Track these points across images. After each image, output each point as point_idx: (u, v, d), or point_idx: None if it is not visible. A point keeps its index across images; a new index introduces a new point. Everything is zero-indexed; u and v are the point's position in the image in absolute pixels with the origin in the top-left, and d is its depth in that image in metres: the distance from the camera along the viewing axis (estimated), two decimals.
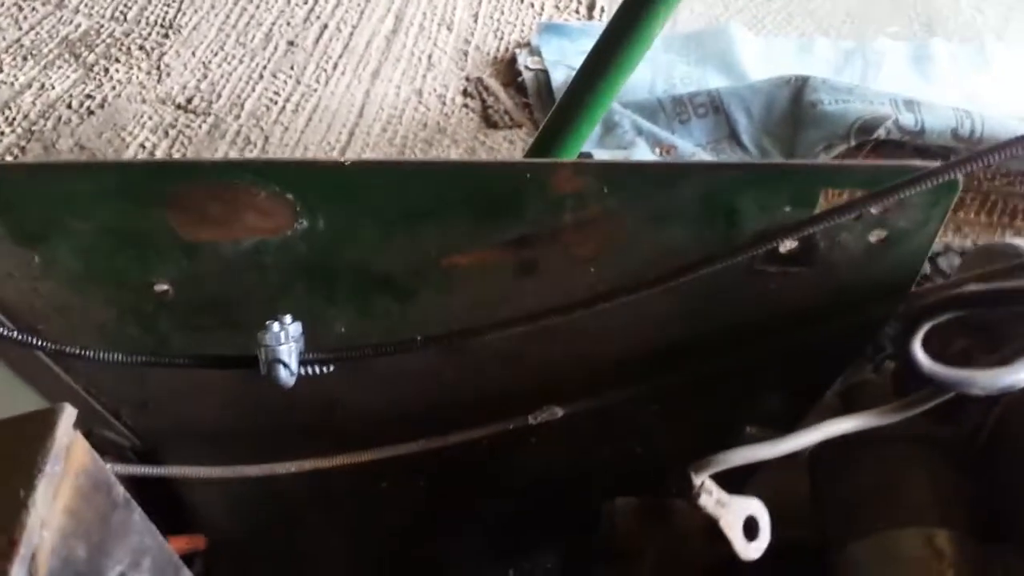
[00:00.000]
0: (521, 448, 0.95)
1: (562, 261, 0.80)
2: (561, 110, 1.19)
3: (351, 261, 0.81)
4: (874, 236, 0.76)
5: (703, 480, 0.61)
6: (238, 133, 2.27)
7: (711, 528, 1.04)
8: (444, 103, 2.42)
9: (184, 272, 0.81)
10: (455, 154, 2.26)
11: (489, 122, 2.38)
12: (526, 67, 2.49)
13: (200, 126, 2.27)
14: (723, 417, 0.95)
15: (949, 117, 2.13)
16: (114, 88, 2.36)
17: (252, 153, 2.22)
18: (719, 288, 0.81)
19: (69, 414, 0.60)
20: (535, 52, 2.53)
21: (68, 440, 0.60)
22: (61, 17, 2.60)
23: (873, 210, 0.73)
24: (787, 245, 0.76)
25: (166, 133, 2.24)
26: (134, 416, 0.99)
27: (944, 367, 0.61)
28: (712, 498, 0.61)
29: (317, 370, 0.81)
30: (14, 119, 2.26)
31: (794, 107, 2.30)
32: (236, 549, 1.11)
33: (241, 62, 2.47)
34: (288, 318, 0.79)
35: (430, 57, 2.56)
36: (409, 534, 1.15)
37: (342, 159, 0.71)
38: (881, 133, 2.12)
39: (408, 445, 0.90)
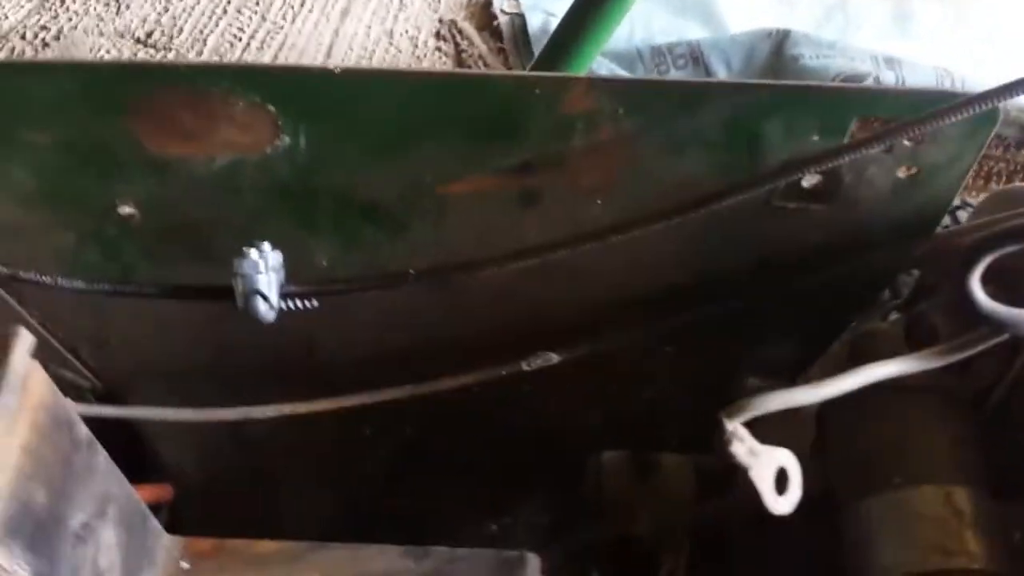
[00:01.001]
0: (512, 395, 0.89)
1: (568, 191, 0.74)
2: (569, 23, 1.11)
3: (337, 185, 0.74)
4: (903, 171, 0.71)
5: (735, 427, 0.56)
6: None
7: (703, 483, 1.00)
8: (416, 46, 2.32)
9: (151, 193, 0.73)
10: None
11: (463, 67, 2.29)
12: (502, 11, 2.40)
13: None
14: (724, 366, 0.90)
15: (929, 75, 2.10)
16: (70, 20, 2.23)
17: None
18: (733, 224, 0.76)
19: (24, 340, 0.53)
20: None
21: (24, 369, 0.53)
22: None
23: (906, 141, 0.68)
24: (811, 178, 0.71)
25: None
26: (94, 354, 0.91)
27: (1006, 307, 0.57)
28: (744, 446, 0.56)
29: (299, 304, 0.74)
30: None
31: (775, 60, 2.26)
32: (204, 499, 1.04)
33: None
34: (267, 245, 0.72)
35: None
36: (388, 485, 1.09)
37: (332, 67, 0.64)
38: None
39: (393, 391, 0.84)
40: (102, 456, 0.63)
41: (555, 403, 0.98)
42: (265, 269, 0.71)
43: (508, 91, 0.66)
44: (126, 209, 0.75)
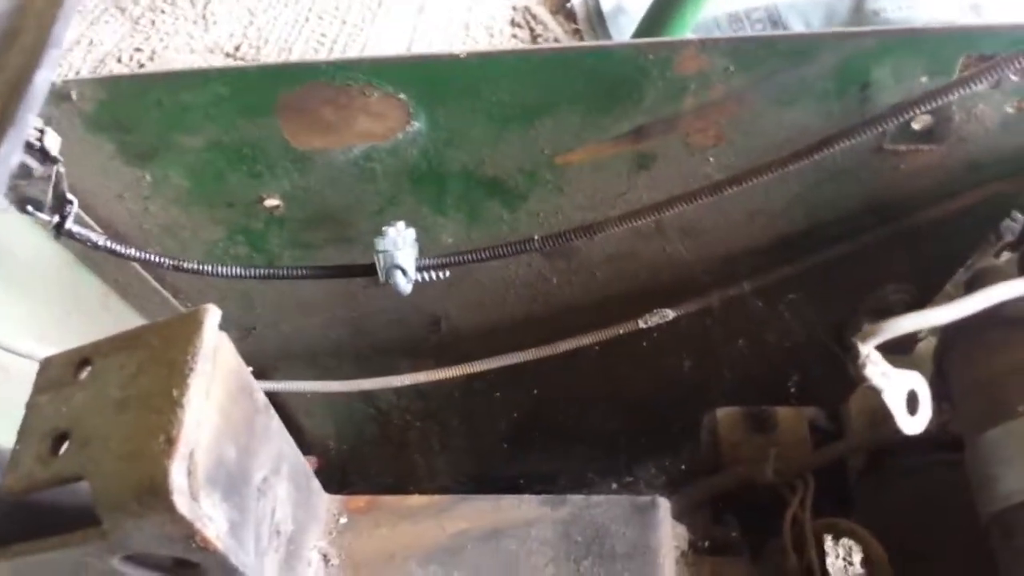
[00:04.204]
0: (631, 354, 0.93)
1: (680, 151, 0.77)
2: None
3: (462, 165, 0.79)
4: (1012, 106, 0.72)
5: (869, 350, 0.59)
6: None
7: (816, 433, 1.02)
8: (492, 35, 2.37)
9: (295, 184, 0.80)
10: None
11: None
12: None
13: None
14: (838, 315, 0.93)
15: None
16: (162, 40, 2.34)
17: None
18: (843, 171, 0.78)
19: (214, 315, 0.59)
20: None
21: (216, 340, 0.59)
22: None
23: (1013, 76, 0.69)
24: (922, 120, 0.73)
25: None
26: (240, 341, 0.98)
27: None
28: (877, 369, 0.59)
29: (433, 276, 0.79)
30: (65, 76, 2.25)
31: (856, 16, 2.22)
32: (342, 470, 1.11)
33: (286, 6, 2.43)
34: (402, 224, 0.77)
35: None
36: (513, 449, 1.14)
37: (457, 51, 0.69)
38: None
39: (517, 355, 0.89)
40: (276, 419, 0.69)
41: (673, 361, 1.01)
42: (403, 245, 0.77)
43: (623, 58, 0.70)
44: (272, 201, 0.81)
